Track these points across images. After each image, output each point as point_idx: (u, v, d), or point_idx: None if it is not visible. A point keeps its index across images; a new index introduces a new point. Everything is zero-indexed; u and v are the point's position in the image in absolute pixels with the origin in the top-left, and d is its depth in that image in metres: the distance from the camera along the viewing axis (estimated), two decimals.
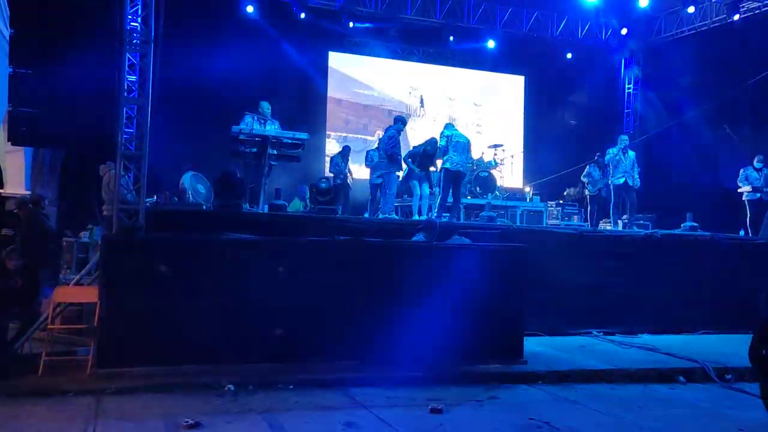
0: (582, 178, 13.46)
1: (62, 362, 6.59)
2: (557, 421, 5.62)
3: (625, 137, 12.38)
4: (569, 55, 16.47)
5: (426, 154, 11.21)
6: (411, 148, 11.99)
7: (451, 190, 10.92)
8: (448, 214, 11.00)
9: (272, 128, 9.82)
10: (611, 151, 12.08)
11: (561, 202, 14.69)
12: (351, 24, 14.89)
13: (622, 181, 11.91)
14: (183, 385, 6.13)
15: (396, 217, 10.71)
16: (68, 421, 5.22)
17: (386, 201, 10.81)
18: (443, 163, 11.00)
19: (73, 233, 10.69)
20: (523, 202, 13.92)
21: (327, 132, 16.93)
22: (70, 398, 5.81)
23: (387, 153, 10.73)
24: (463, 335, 7.26)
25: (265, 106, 10.08)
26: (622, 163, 11.93)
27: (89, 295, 6.94)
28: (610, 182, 12.17)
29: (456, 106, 18.09)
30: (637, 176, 12.04)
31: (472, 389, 6.61)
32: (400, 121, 11.36)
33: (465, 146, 11.13)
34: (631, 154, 12.14)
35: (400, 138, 11.19)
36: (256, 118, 9.89)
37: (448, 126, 11.45)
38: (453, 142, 10.87)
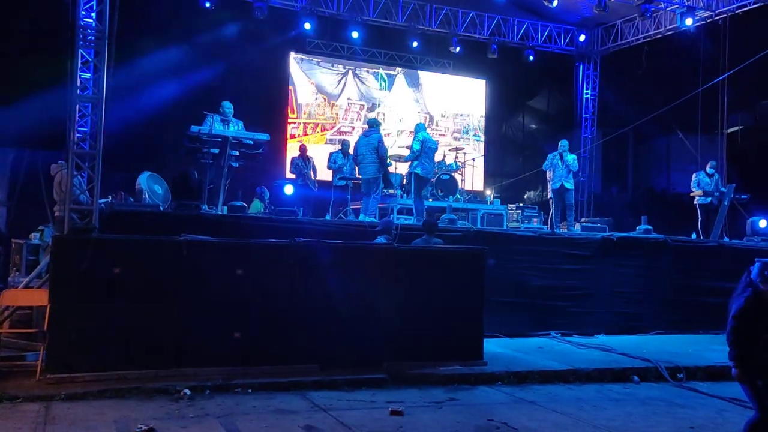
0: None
1: (10, 368, 6.41)
2: (516, 421, 5.67)
3: (564, 142, 12.58)
4: (531, 58, 16.69)
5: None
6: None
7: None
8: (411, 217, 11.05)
9: (234, 129, 9.69)
10: (549, 157, 12.33)
11: (521, 205, 14.87)
12: (308, 25, 14.77)
13: (558, 185, 12.18)
14: (137, 391, 5.99)
15: (375, 219, 10.68)
16: (15, 429, 5.03)
17: (370, 203, 10.82)
18: (414, 168, 10.99)
19: (23, 235, 10.34)
20: (484, 205, 14.02)
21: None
22: (19, 405, 5.61)
23: (381, 157, 10.65)
24: (423, 337, 7.29)
25: (227, 106, 9.93)
26: (559, 168, 12.19)
27: (39, 298, 6.73)
28: (549, 186, 12.43)
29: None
30: (571, 179, 12.28)
31: (432, 390, 6.64)
32: (378, 124, 11.39)
33: (434, 152, 11.26)
34: (569, 157, 12.30)
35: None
36: (219, 118, 9.75)
37: (422, 128, 11.45)
38: (426, 148, 10.93)
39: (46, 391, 5.85)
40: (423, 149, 10.89)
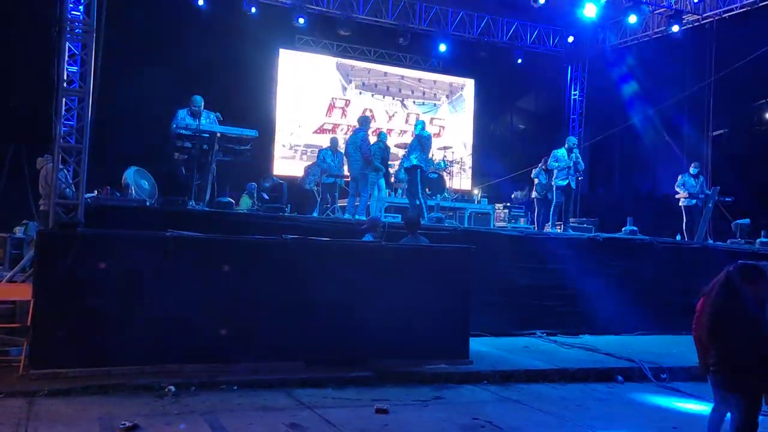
0: (532, 176, 13.44)
1: None
2: (500, 420, 5.69)
3: (573, 138, 12.38)
4: (519, 61, 16.77)
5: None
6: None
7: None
8: (399, 215, 11.08)
9: (207, 122, 9.58)
10: (562, 154, 11.89)
11: (508, 204, 14.93)
12: (302, 20, 14.74)
13: (565, 183, 11.88)
14: (121, 387, 5.95)
15: (363, 217, 10.69)
16: None
17: (362, 200, 10.85)
18: (418, 162, 10.94)
19: (8, 228, 10.24)
20: (471, 204, 14.09)
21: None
22: (1, 400, 5.54)
23: (363, 155, 10.71)
24: (409, 335, 7.29)
25: (198, 100, 9.79)
26: (567, 163, 11.85)
27: (23, 292, 6.66)
28: (553, 183, 12.11)
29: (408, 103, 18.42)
30: (575, 179, 12.07)
31: (418, 389, 6.65)
32: (367, 122, 11.42)
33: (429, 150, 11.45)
34: (575, 156, 12.07)
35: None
36: (188, 112, 9.62)
37: (423, 124, 11.55)
38: (427, 144, 11.09)
39: (29, 387, 5.79)
40: (428, 145, 11.09)
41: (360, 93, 17.80)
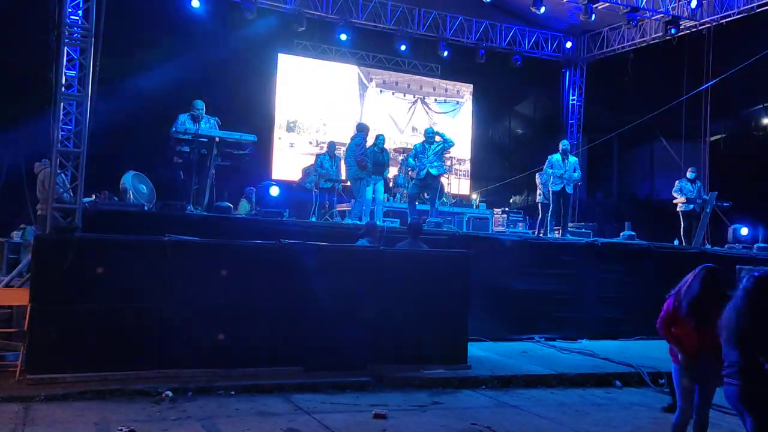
0: (539, 182, 13.12)
1: None
2: (499, 425, 5.68)
3: (566, 142, 12.21)
4: (518, 64, 16.80)
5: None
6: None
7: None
8: (398, 219, 11.10)
9: (207, 126, 9.57)
10: (557, 160, 11.64)
11: (507, 209, 14.93)
12: (301, 29, 14.76)
13: (559, 188, 11.64)
14: (118, 392, 5.94)
15: (358, 222, 10.67)
16: None
17: (357, 204, 10.85)
18: (437, 169, 10.95)
19: (5, 233, 10.22)
20: (470, 209, 14.09)
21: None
22: None
23: (357, 160, 10.75)
24: (408, 340, 7.30)
25: (199, 104, 9.77)
26: (562, 170, 11.60)
27: (20, 297, 6.64)
28: (549, 188, 11.87)
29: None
30: (571, 183, 11.76)
31: (416, 394, 6.64)
32: (365, 129, 11.44)
33: None
34: (572, 159, 11.83)
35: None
36: (189, 116, 9.61)
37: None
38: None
39: (25, 392, 5.78)
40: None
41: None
